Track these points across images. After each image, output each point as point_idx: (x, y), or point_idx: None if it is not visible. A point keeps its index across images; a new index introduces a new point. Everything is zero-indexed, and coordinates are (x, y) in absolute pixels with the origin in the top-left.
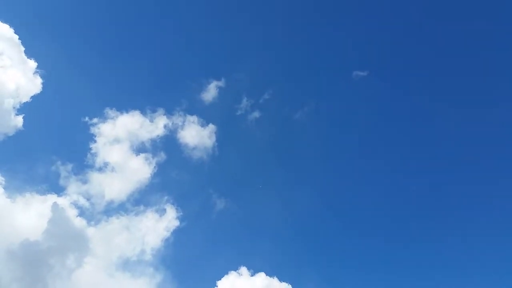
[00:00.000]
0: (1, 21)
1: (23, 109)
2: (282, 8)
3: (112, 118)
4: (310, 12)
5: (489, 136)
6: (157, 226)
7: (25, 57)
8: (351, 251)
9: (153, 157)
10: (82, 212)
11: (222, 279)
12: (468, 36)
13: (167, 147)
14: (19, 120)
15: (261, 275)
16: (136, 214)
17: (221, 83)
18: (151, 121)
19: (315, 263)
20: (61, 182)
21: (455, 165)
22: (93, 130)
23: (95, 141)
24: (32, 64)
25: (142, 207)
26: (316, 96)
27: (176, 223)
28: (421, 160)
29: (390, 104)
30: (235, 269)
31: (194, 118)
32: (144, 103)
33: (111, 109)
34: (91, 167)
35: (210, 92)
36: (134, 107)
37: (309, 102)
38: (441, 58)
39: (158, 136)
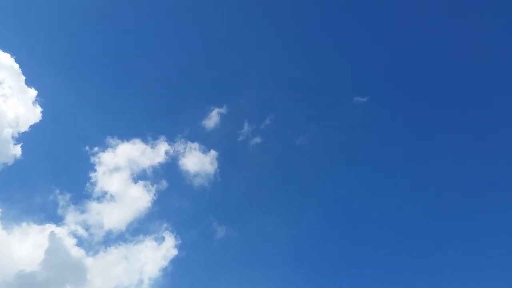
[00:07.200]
0: (2, 50)
1: (22, 138)
2: (283, 34)
3: (113, 147)
4: (311, 38)
5: (494, 163)
6: (156, 255)
7: (26, 86)
8: (355, 280)
9: (153, 185)
10: (80, 242)
11: None
12: (469, 61)
13: (168, 174)
14: (17, 150)
15: None
16: (135, 244)
17: (222, 110)
18: (152, 148)
19: None
20: (59, 211)
21: (459, 194)
22: (93, 159)
23: (95, 170)
24: (32, 92)
25: (141, 236)
26: (318, 121)
27: (175, 251)
28: (424, 186)
29: (391, 130)
30: None
31: (195, 145)
32: (146, 131)
33: (112, 137)
34: (89, 196)
35: (212, 118)
36: (136, 135)
37: (311, 127)
38: (442, 84)
39: (159, 163)
